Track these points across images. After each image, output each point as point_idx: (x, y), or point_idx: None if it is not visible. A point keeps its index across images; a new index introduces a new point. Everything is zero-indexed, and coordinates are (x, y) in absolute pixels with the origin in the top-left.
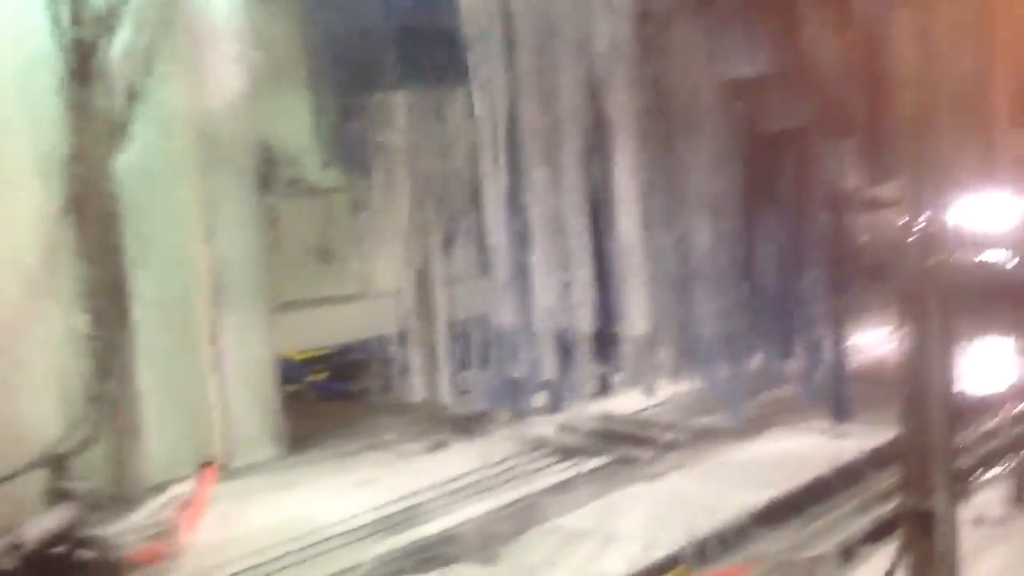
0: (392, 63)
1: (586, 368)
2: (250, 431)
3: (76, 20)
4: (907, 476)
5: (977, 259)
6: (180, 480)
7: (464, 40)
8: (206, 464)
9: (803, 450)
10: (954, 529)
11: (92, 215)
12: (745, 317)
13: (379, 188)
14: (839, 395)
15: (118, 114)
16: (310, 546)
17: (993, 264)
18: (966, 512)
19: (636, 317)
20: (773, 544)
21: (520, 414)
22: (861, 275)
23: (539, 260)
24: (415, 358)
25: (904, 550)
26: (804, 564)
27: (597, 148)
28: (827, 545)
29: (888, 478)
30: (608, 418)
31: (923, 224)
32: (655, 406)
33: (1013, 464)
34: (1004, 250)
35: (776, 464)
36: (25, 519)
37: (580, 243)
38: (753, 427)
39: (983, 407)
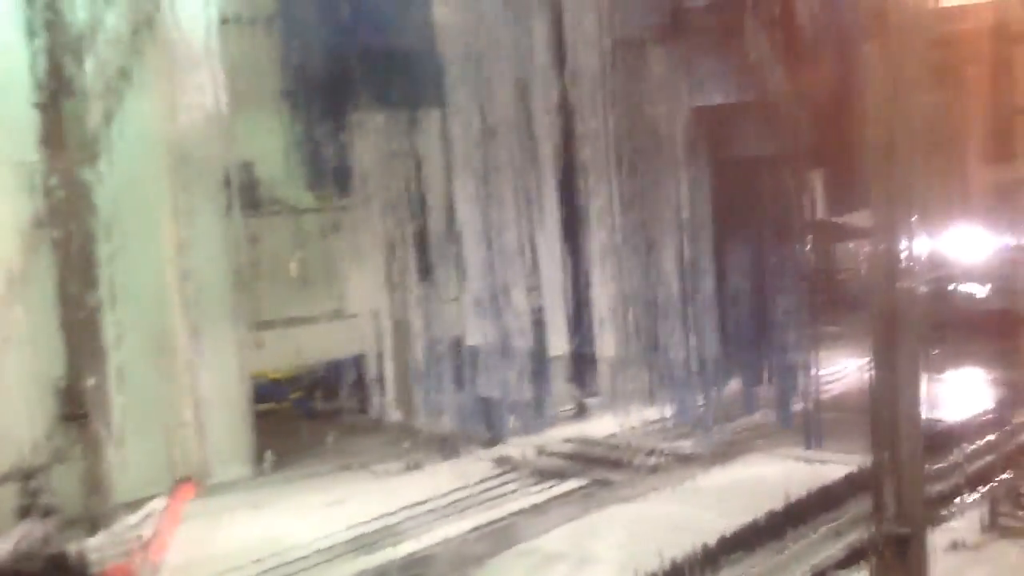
0: (368, 85)
1: (560, 391)
2: (224, 450)
3: (52, 39)
4: (878, 501)
5: (951, 289)
6: (154, 497)
7: (439, 63)
8: (180, 482)
9: (776, 475)
10: (925, 552)
11: (67, 229)
12: (718, 343)
13: (355, 208)
14: (812, 421)
15: (92, 132)
16: (279, 566)
17: (966, 294)
18: (942, 537)
19: (608, 341)
20: (747, 569)
21: (495, 435)
22: (834, 303)
23: (513, 282)
24: (389, 378)
25: (877, 574)
26: None
27: (572, 172)
28: (799, 566)
29: (862, 503)
30: (583, 441)
31: (891, 253)
32: (630, 429)
33: (987, 491)
34: (977, 282)
35: (749, 489)
36: None
37: (554, 265)
38: (727, 452)
39: (958, 435)
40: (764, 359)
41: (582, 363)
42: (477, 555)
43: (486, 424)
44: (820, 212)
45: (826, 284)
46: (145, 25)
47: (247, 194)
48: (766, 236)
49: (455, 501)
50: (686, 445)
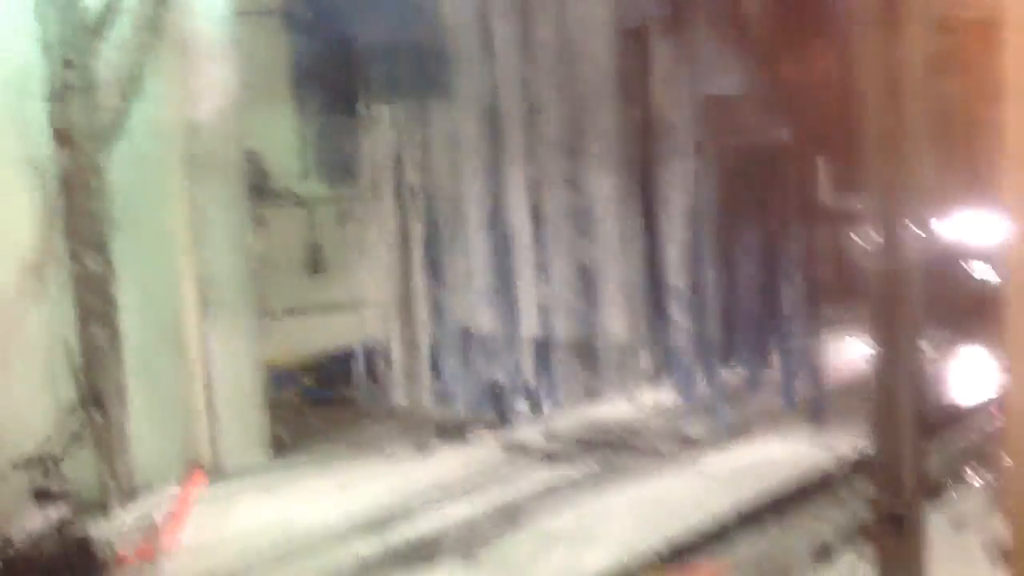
0: (377, 76)
1: (568, 375)
2: (237, 435)
3: (65, 31)
4: (878, 480)
5: (959, 271)
6: (168, 482)
7: (448, 55)
8: (193, 467)
9: (781, 456)
10: (923, 532)
11: (80, 221)
12: (724, 326)
13: (364, 198)
14: (817, 402)
15: (105, 124)
16: (292, 547)
17: (975, 276)
18: (945, 518)
19: (616, 325)
20: (750, 546)
21: (503, 420)
22: (838, 284)
23: (521, 268)
24: (400, 364)
25: (875, 552)
26: (778, 563)
27: (578, 159)
28: (802, 545)
29: (864, 482)
30: (591, 424)
31: (893, 235)
32: (637, 413)
33: (991, 472)
34: (985, 263)
35: (755, 469)
36: (14, 518)
37: (561, 251)
38: (734, 434)
39: (962, 416)
40: (770, 342)
41: (591, 347)
42: (485, 535)
43: (495, 409)
44: (826, 195)
45: (834, 267)
46: (158, 16)
47: (259, 184)
48: (774, 220)
49: (465, 483)
50: (694, 427)
